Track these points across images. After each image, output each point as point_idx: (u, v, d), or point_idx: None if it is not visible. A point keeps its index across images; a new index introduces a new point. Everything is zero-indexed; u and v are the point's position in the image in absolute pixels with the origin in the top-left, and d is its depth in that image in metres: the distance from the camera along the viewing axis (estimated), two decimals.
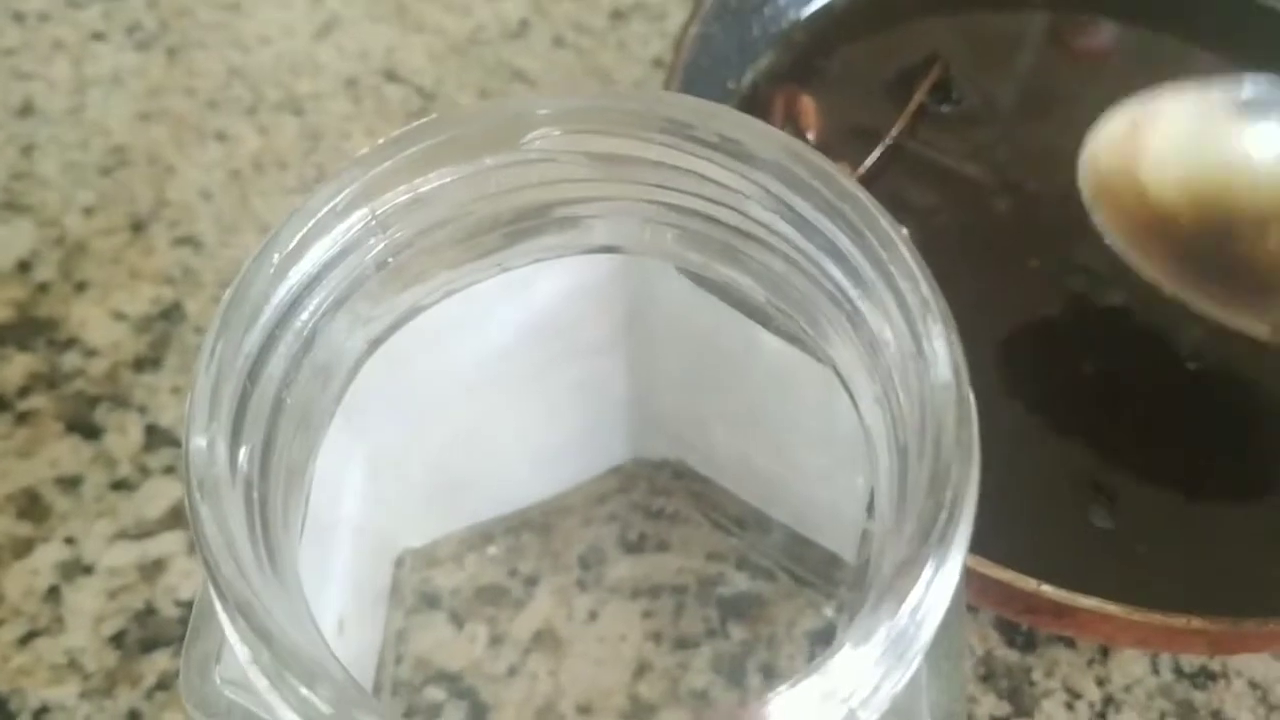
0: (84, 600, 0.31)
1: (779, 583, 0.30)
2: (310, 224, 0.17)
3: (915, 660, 0.15)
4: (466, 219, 0.19)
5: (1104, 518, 0.29)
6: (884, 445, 0.18)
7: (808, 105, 0.34)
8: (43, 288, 0.35)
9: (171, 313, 0.35)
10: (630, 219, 0.20)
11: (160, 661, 0.30)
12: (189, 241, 0.36)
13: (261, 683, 0.15)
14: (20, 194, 0.37)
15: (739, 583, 0.30)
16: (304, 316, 0.18)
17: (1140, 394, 0.30)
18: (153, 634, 0.30)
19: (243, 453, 0.17)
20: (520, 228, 0.20)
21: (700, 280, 0.22)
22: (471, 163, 0.19)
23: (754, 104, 0.35)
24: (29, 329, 0.35)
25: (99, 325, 0.35)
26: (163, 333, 0.35)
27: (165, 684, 0.30)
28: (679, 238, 0.20)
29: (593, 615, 0.30)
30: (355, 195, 0.18)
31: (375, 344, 0.20)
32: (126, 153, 0.38)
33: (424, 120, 0.18)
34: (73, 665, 0.30)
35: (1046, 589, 0.24)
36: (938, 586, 0.15)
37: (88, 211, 0.37)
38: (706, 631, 0.29)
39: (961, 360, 0.16)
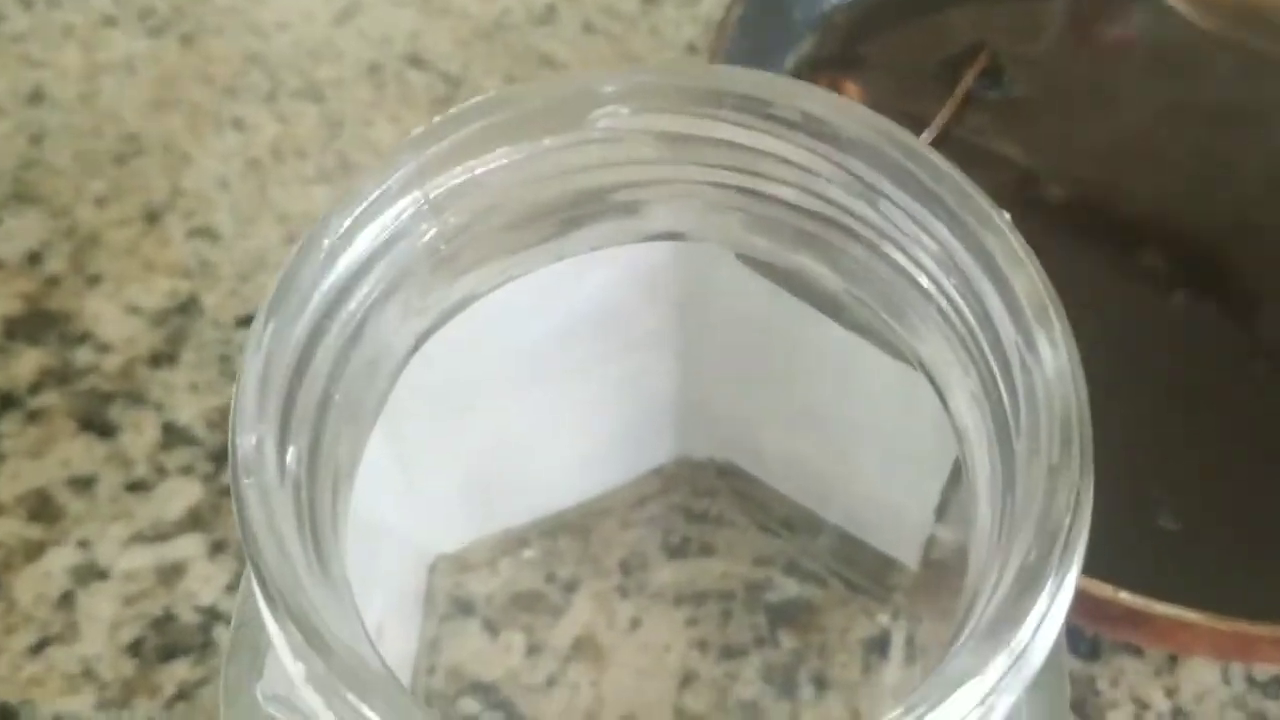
0: (99, 606, 0.29)
1: (830, 588, 0.29)
2: (361, 208, 0.16)
3: (1030, 679, 0.14)
4: (523, 203, 0.18)
5: (1171, 520, 0.27)
6: (983, 446, 0.16)
7: (851, 91, 0.33)
8: (53, 280, 0.34)
9: (188, 306, 0.33)
10: (695, 203, 0.19)
11: (180, 671, 0.29)
12: (205, 233, 0.35)
13: (314, 699, 0.14)
14: (30, 184, 0.36)
15: (788, 588, 0.29)
16: (351, 306, 0.17)
17: (1207, 392, 0.29)
18: (171, 641, 0.29)
19: (290, 452, 0.15)
20: (579, 213, 0.19)
21: (763, 268, 0.20)
22: (531, 143, 0.17)
23: None
24: (40, 323, 0.33)
25: (113, 319, 0.33)
26: (179, 327, 0.33)
27: (185, 694, 0.28)
28: (747, 222, 0.19)
29: (635, 623, 0.28)
30: (408, 178, 0.17)
31: (424, 337, 0.18)
32: (140, 141, 0.36)
33: (482, 97, 0.17)
34: (88, 675, 0.29)
35: (1124, 596, 0.23)
36: (1059, 601, 0.14)
37: (100, 202, 0.35)
38: (755, 640, 0.28)
39: (1077, 355, 0.15)
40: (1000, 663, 0.13)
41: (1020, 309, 0.15)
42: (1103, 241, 0.31)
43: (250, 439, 0.14)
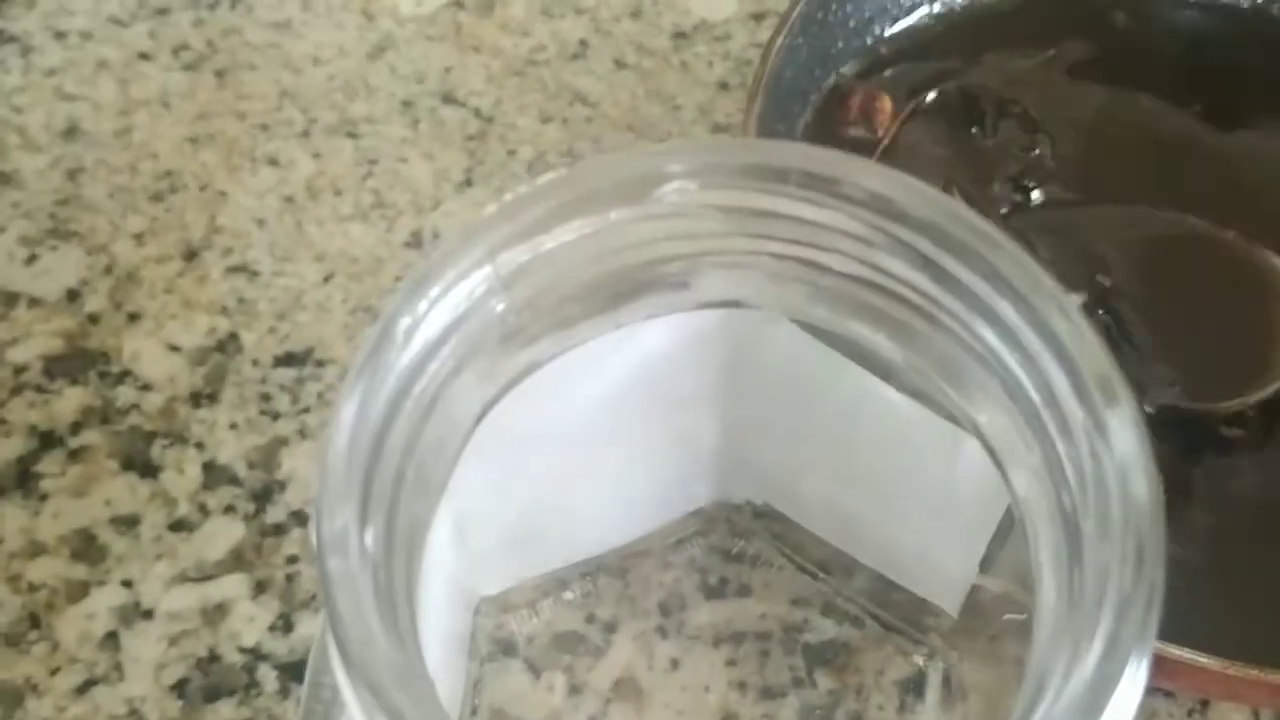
0: (143, 646, 0.30)
1: (866, 628, 0.29)
2: (436, 287, 0.16)
3: None
4: (588, 275, 0.18)
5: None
6: (1044, 517, 0.17)
7: (885, 106, 0.33)
8: (93, 318, 0.34)
9: (227, 344, 0.34)
10: (755, 274, 0.19)
11: (225, 711, 0.29)
12: (243, 270, 0.35)
13: None
14: (67, 220, 0.36)
15: (825, 629, 0.29)
16: (424, 383, 0.17)
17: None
18: (216, 682, 0.29)
19: (369, 533, 0.16)
20: (641, 282, 0.19)
21: (818, 333, 0.21)
22: (598, 217, 0.18)
23: (831, 99, 0.34)
24: (80, 361, 0.34)
25: (153, 357, 0.34)
26: (219, 365, 0.33)
27: None
28: (807, 293, 0.19)
29: (675, 664, 0.28)
30: (480, 255, 0.17)
31: (489, 406, 0.19)
32: (177, 177, 0.37)
33: (552, 175, 0.17)
34: (133, 715, 0.29)
35: None
36: (1136, 687, 0.14)
37: (138, 238, 0.35)
38: (793, 680, 0.28)
39: (1148, 439, 0.15)
40: None
41: (1088, 391, 0.15)
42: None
43: (336, 522, 0.15)
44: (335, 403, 0.16)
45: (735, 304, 0.20)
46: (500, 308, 0.18)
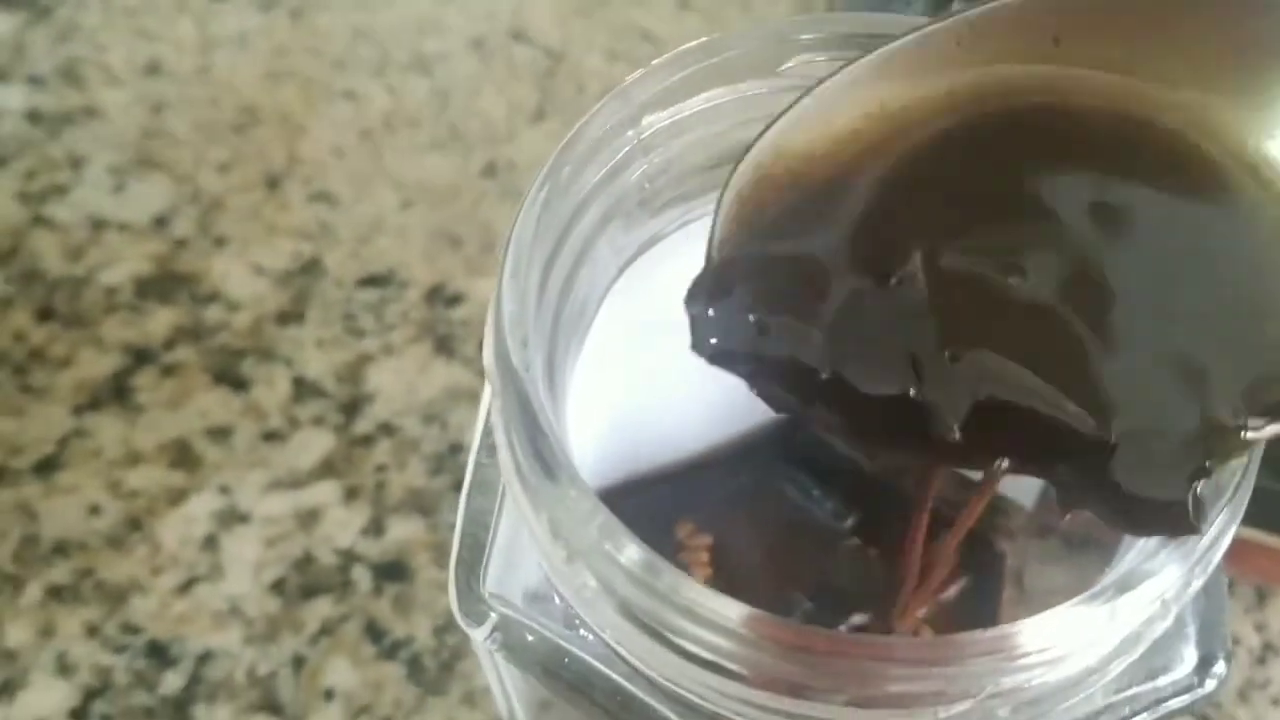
0: (242, 548, 0.31)
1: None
2: (586, 145, 0.18)
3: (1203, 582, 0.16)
4: (716, 147, 0.20)
5: None
6: None
7: None
8: (181, 243, 0.35)
9: (311, 267, 0.35)
10: None
11: (322, 608, 0.30)
12: (324, 198, 0.36)
13: (575, 574, 0.16)
14: (152, 151, 0.37)
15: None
16: (579, 229, 0.18)
17: None
18: (313, 581, 0.31)
19: (538, 361, 0.17)
20: None
21: None
22: (733, 87, 0.19)
23: None
24: (170, 283, 0.35)
25: (240, 279, 0.35)
26: (303, 287, 0.35)
27: (329, 629, 0.30)
28: None
29: None
30: (629, 115, 0.18)
31: (624, 269, 0.20)
32: (257, 112, 0.38)
33: (696, 42, 0.18)
34: (234, 612, 0.30)
35: None
36: (1236, 509, 0.15)
37: (222, 168, 0.37)
38: None
39: None
40: (1180, 567, 0.15)
41: None
42: None
43: (520, 336, 0.16)
44: (508, 234, 0.17)
45: None
46: (639, 171, 0.19)
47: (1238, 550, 0.26)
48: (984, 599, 0.29)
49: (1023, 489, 0.27)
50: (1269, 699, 0.29)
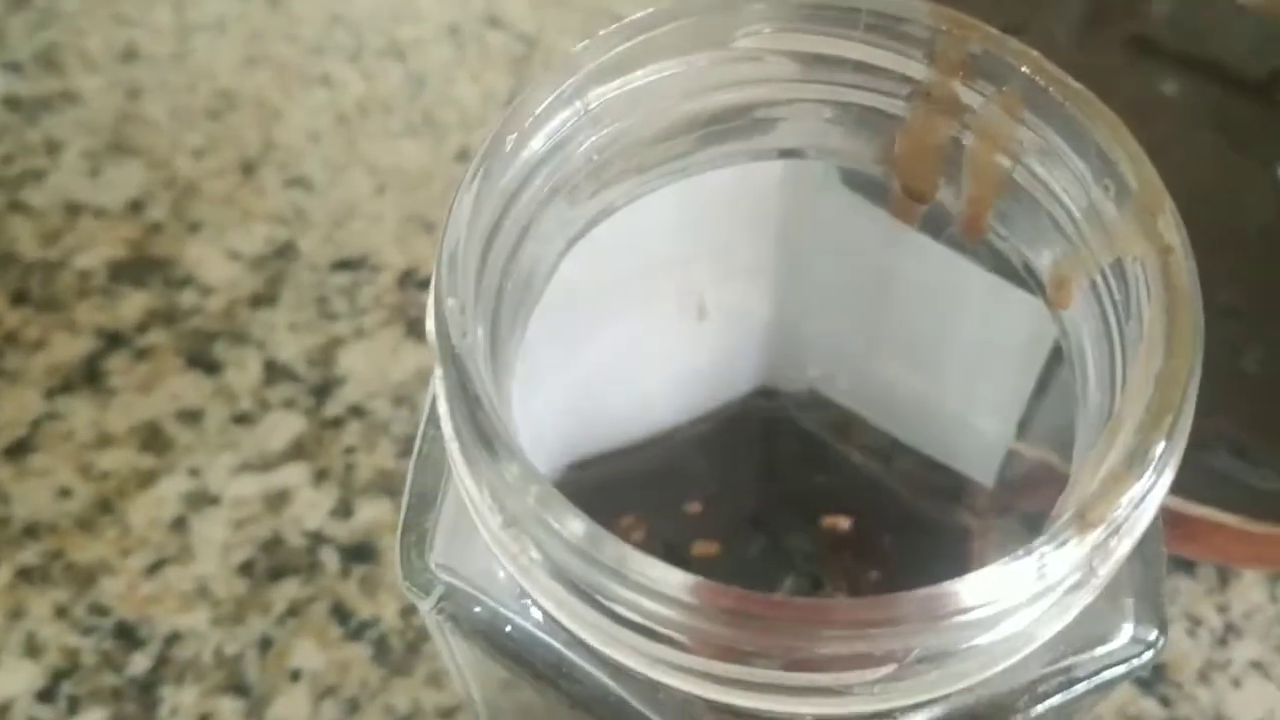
0: (211, 530, 0.31)
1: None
2: (533, 115, 0.18)
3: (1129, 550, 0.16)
4: (666, 119, 0.20)
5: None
6: (1089, 337, 0.18)
7: None
8: (155, 227, 0.36)
9: (285, 251, 0.35)
10: (818, 122, 0.20)
11: (290, 589, 0.30)
12: (299, 183, 0.36)
13: (513, 541, 0.16)
14: (129, 136, 0.37)
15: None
16: (522, 203, 0.18)
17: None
18: (280, 563, 0.31)
19: (480, 331, 0.17)
20: (712, 131, 0.20)
21: (866, 190, 0.22)
22: (682, 59, 0.19)
23: None
24: (144, 267, 0.35)
25: (214, 263, 0.35)
26: (277, 271, 0.35)
27: (296, 611, 0.30)
28: (868, 142, 0.20)
29: None
30: (575, 86, 0.18)
31: (571, 243, 0.20)
32: (233, 97, 0.38)
33: (647, 11, 0.18)
34: (202, 593, 0.30)
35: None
36: (1163, 479, 0.15)
37: (197, 153, 0.37)
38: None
39: (1189, 244, 0.16)
40: (1100, 533, 0.15)
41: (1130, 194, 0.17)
42: None
43: (455, 302, 0.16)
44: (453, 200, 0.17)
45: (797, 154, 0.21)
46: (587, 143, 0.19)
47: (1199, 531, 0.27)
48: (950, 575, 0.29)
49: (984, 469, 0.27)
50: (1230, 679, 0.29)
